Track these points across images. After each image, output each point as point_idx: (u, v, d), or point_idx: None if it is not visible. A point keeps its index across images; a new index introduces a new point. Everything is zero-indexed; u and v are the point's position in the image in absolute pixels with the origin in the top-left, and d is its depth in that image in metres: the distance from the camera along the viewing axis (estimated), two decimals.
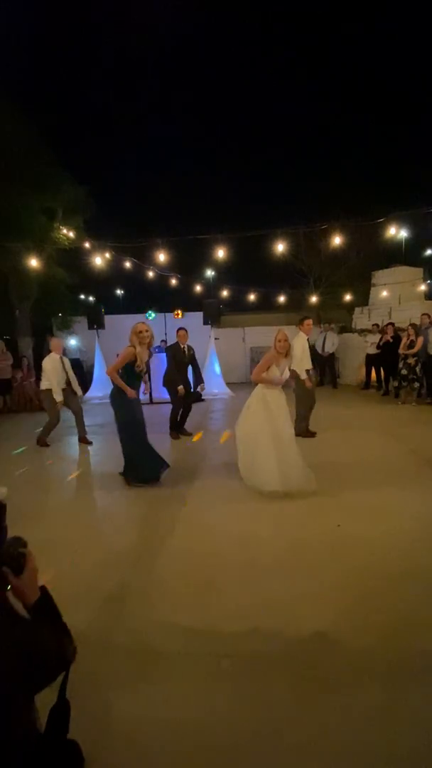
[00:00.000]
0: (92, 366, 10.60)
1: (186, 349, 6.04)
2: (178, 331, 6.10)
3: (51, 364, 5.67)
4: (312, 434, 5.72)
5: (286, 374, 4.02)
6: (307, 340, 5.66)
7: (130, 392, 3.99)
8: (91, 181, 11.32)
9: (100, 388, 9.96)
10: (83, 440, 5.94)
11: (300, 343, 5.54)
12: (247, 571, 2.58)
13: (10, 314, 10.96)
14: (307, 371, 5.60)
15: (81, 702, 1.66)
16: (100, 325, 9.82)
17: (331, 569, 2.56)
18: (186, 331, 6.11)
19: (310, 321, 5.78)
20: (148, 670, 1.85)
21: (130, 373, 4.06)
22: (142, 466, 4.16)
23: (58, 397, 5.61)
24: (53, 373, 5.63)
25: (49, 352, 5.81)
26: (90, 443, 5.87)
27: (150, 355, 4.24)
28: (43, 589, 1.19)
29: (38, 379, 9.17)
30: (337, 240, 8.30)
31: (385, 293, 11.60)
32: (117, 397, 4.07)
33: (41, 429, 5.87)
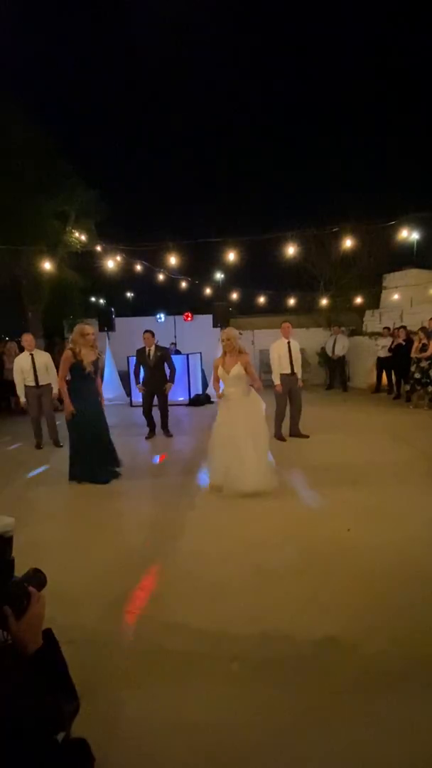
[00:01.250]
0: (102, 368, 10.68)
1: (151, 352, 6.09)
2: (143, 334, 6.16)
3: (17, 363, 5.64)
4: (282, 439, 5.76)
5: (239, 371, 3.93)
6: (288, 342, 5.69)
7: (68, 410, 4.17)
8: (102, 185, 11.47)
9: (111, 389, 10.03)
10: (55, 443, 5.82)
11: (275, 348, 5.73)
12: (257, 574, 2.57)
13: (22, 316, 11.12)
14: (285, 374, 5.67)
15: (91, 701, 1.67)
16: (111, 328, 9.90)
17: (341, 573, 2.54)
18: (151, 333, 6.18)
19: (287, 324, 5.84)
20: (158, 671, 1.86)
21: (79, 375, 4.22)
22: (83, 466, 4.28)
23: (22, 397, 5.67)
24: (17, 372, 5.61)
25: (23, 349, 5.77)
26: (60, 446, 5.68)
27: (97, 356, 4.37)
28: (47, 635, 1.04)
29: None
30: (347, 242, 8.25)
31: (396, 296, 11.49)
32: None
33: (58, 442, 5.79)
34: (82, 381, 4.25)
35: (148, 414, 6.25)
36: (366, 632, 2.04)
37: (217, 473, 3.96)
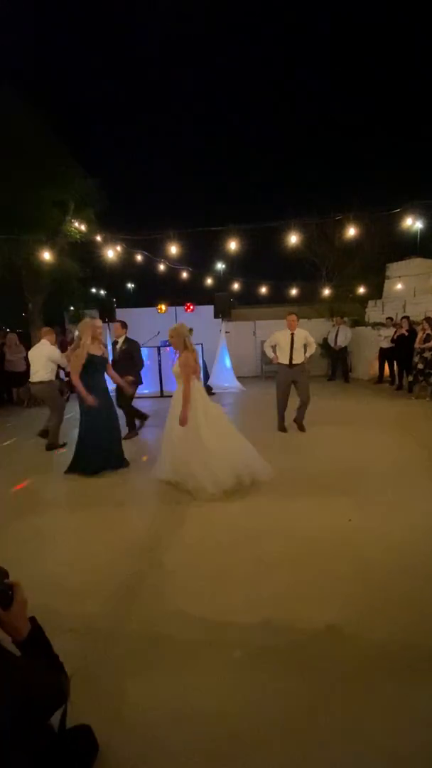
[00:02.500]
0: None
1: (119, 343, 5.72)
2: (113, 323, 5.87)
3: (40, 351, 5.32)
4: (284, 430, 5.74)
5: (176, 369, 3.83)
6: (292, 334, 5.51)
7: (89, 400, 4.11)
8: (102, 174, 11.32)
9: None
10: (43, 434, 5.58)
11: (277, 337, 5.62)
12: (258, 564, 2.58)
13: (23, 308, 11.07)
14: (284, 365, 5.59)
15: (95, 689, 1.69)
16: (112, 319, 9.85)
17: (342, 563, 2.55)
18: (121, 324, 5.75)
19: (293, 317, 5.59)
20: (160, 659, 1.87)
21: (93, 368, 4.28)
22: (86, 458, 4.30)
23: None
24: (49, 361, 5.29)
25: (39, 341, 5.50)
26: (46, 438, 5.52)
27: (103, 350, 4.43)
28: (32, 621, 1.11)
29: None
30: (351, 231, 8.14)
31: (399, 286, 11.37)
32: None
33: (48, 433, 5.41)
34: (91, 376, 4.26)
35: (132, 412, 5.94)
36: (368, 621, 2.05)
37: (164, 467, 3.94)
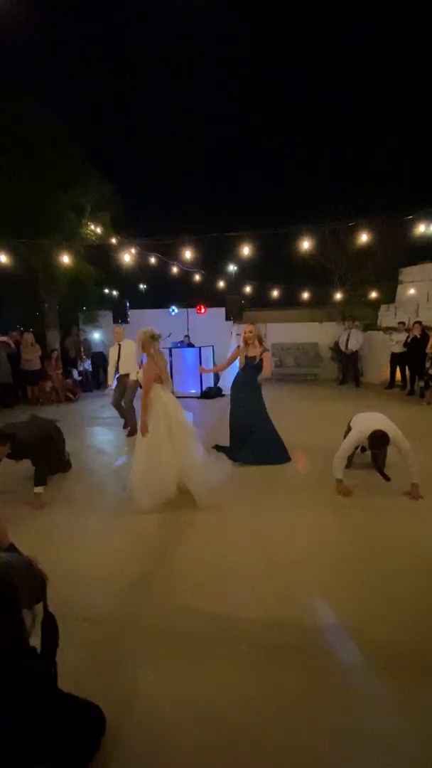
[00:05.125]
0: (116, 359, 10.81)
1: None
2: None
3: (114, 351, 6.41)
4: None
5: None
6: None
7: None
8: (118, 178, 11.50)
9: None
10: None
11: None
12: (266, 563, 2.64)
13: (39, 308, 11.30)
14: None
15: (105, 676, 1.77)
16: (125, 320, 10.00)
17: (350, 566, 2.59)
18: None
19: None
20: (170, 650, 1.94)
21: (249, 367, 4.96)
22: (233, 448, 4.79)
23: (110, 378, 6.41)
24: (114, 359, 6.31)
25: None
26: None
27: (259, 352, 4.90)
28: (51, 618, 1.39)
29: (65, 371, 9.46)
30: (364, 237, 8.13)
31: (412, 291, 11.28)
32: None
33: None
34: (248, 374, 4.94)
35: None
36: (373, 620, 2.09)
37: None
